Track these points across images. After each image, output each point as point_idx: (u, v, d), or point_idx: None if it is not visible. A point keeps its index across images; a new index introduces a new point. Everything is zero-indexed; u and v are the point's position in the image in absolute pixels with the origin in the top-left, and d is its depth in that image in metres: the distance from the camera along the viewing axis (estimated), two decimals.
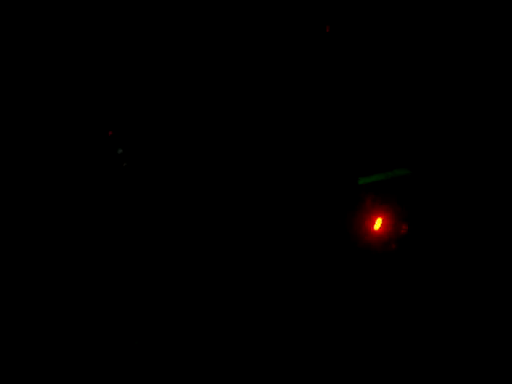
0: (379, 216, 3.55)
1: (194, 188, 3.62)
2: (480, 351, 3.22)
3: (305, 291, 3.52)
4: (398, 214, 3.51)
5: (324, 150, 3.63)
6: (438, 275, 3.39)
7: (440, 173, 3.47)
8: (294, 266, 3.55)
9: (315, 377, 3.35)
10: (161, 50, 3.58)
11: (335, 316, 3.45)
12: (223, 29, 3.57)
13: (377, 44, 3.55)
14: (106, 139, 3.57)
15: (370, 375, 3.32)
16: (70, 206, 3.54)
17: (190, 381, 3.37)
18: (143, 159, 3.59)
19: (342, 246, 3.58)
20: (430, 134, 3.49)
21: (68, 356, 3.38)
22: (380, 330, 3.40)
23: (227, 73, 3.62)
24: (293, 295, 3.52)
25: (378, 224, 3.55)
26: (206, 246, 3.54)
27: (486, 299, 3.30)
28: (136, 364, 3.38)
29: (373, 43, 3.54)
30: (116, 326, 3.46)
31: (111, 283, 3.50)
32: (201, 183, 3.62)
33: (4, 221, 3.46)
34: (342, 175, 3.60)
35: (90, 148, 3.56)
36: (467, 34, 3.43)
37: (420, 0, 3.47)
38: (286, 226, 3.62)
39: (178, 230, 3.56)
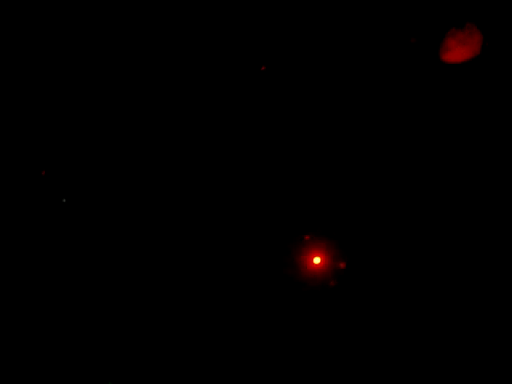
0: (318, 251, 3.46)
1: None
2: None
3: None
4: (338, 249, 3.43)
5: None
6: (377, 314, 3.31)
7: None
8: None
9: None
10: None
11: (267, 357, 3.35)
12: None
13: None
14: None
15: None
16: None
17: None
18: None
19: (279, 281, 3.48)
20: None
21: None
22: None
23: None
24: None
25: (317, 260, 3.46)
26: None
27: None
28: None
29: None
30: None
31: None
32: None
33: None
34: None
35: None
36: None
37: None
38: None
39: None
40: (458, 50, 3.29)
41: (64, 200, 3.42)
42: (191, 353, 3.38)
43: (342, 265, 3.41)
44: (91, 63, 3.52)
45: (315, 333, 3.39)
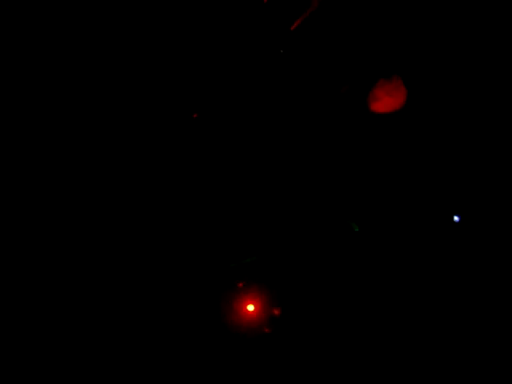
0: (252, 299, 3.43)
1: None
2: None
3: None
4: (272, 297, 3.42)
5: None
6: (312, 362, 3.33)
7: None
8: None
9: None
10: None
11: None
12: None
13: None
14: None
15: None
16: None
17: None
18: None
19: (211, 329, 3.42)
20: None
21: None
22: None
23: None
24: None
25: (250, 307, 3.43)
26: None
27: None
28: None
29: None
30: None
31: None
32: None
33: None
34: (212, 257, 3.46)
35: None
36: None
37: None
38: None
39: None
40: (386, 101, 3.41)
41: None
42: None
43: (276, 311, 3.41)
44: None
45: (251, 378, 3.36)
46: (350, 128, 3.50)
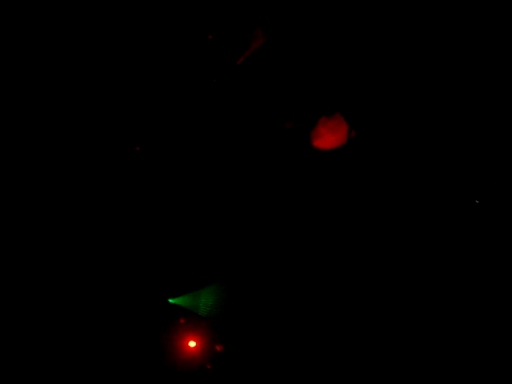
0: (194, 335, 3.41)
1: None
2: None
3: None
4: (214, 333, 3.40)
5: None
6: None
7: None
8: None
9: None
10: None
11: None
12: None
13: None
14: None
15: None
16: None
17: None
18: None
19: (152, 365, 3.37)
20: None
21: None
22: None
23: None
24: None
25: (192, 343, 3.40)
26: None
27: None
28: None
29: None
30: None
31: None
32: None
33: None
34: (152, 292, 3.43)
35: None
36: None
37: None
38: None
39: None
40: (328, 138, 3.48)
41: None
42: None
43: (219, 347, 3.40)
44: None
45: None
46: (293, 163, 3.55)
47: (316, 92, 3.50)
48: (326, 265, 3.45)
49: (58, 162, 3.49)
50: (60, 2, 3.40)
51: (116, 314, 3.40)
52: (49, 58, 3.45)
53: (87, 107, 3.51)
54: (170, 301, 3.42)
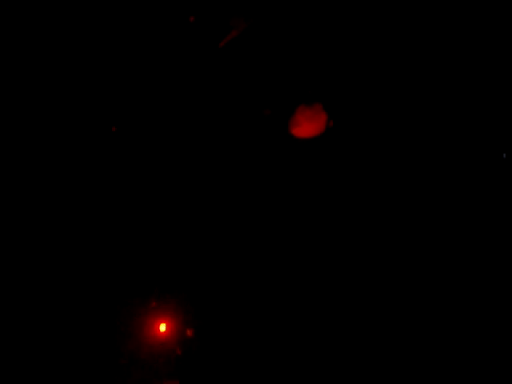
0: (164, 319, 3.37)
1: None
2: None
3: None
4: (184, 318, 3.37)
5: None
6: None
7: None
8: None
9: None
10: None
11: None
12: None
13: None
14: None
15: None
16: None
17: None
18: None
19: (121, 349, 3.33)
20: None
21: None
22: None
23: None
24: None
25: (162, 327, 3.37)
26: None
27: None
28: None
29: None
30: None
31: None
32: None
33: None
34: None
35: None
36: None
37: None
38: None
39: None
40: (306, 126, 3.49)
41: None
42: None
43: (189, 332, 3.37)
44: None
45: None
46: (271, 151, 3.55)
47: (295, 80, 3.52)
48: (309, 258, 3.47)
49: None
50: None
51: (85, 297, 3.36)
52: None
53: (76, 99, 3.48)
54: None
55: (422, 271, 3.36)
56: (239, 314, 3.39)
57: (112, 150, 3.50)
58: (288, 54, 3.48)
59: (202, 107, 3.52)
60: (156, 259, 3.47)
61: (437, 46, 3.44)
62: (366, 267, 3.38)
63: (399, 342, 3.29)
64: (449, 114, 3.45)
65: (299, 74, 3.51)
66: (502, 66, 3.39)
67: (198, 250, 3.48)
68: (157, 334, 3.36)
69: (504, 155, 3.35)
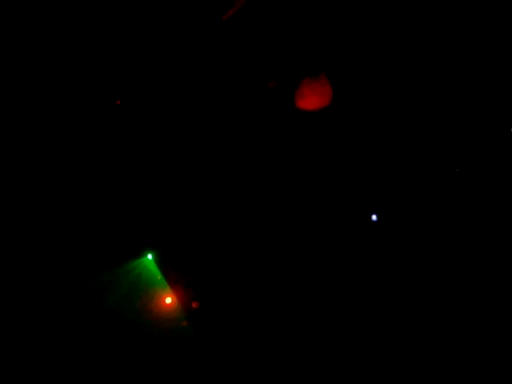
0: (170, 292, 3.41)
1: None
2: None
3: None
4: (190, 290, 3.41)
5: None
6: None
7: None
8: None
9: None
10: None
11: None
12: None
13: None
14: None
15: None
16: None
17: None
18: None
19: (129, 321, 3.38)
20: None
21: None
22: None
23: None
24: None
25: (169, 299, 3.41)
26: None
27: None
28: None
29: None
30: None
31: None
32: None
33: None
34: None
35: None
36: None
37: None
38: None
39: None
40: (311, 99, 3.44)
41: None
42: None
43: (194, 304, 3.41)
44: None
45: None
46: (277, 123, 3.51)
47: (301, 52, 3.44)
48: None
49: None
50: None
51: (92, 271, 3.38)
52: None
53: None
54: (149, 256, 3.40)
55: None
56: (243, 289, 3.43)
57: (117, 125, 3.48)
58: (293, 26, 3.39)
59: (207, 80, 3.46)
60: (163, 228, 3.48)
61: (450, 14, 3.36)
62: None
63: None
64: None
65: (304, 46, 3.43)
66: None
67: (207, 225, 3.50)
68: (163, 306, 3.41)
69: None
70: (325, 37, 3.40)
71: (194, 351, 3.39)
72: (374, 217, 3.47)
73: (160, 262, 3.41)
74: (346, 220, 3.49)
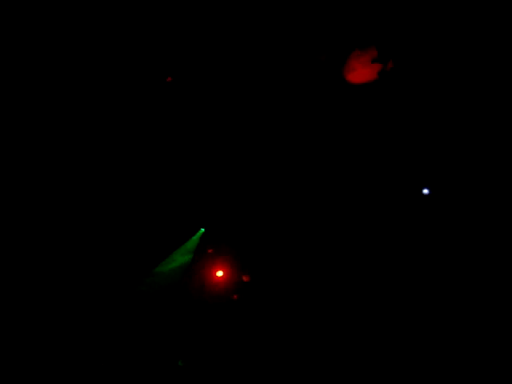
0: (221, 265, 3.42)
1: None
2: None
3: None
4: (240, 264, 3.42)
5: None
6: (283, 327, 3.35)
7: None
8: None
9: None
10: None
11: None
12: None
13: None
14: None
15: None
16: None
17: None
18: None
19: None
20: None
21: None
22: None
23: None
24: None
25: (220, 273, 3.42)
26: None
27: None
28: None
29: None
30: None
31: None
32: None
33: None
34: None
35: None
36: None
37: None
38: None
39: None
40: (361, 71, 3.42)
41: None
42: None
43: (246, 278, 3.42)
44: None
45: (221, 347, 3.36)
46: (327, 97, 3.50)
47: (350, 25, 3.42)
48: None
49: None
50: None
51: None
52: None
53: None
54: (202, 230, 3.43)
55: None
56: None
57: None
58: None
59: (258, 52, 3.47)
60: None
61: None
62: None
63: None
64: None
65: (354, 19, 3.41)
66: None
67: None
68: (214, 279, 3.42)
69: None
70: (375, 10, 3.39)
71: (242, 326, 3.40)
72: (425, 191, 3.44)
73: (211, 236, 3.44)
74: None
